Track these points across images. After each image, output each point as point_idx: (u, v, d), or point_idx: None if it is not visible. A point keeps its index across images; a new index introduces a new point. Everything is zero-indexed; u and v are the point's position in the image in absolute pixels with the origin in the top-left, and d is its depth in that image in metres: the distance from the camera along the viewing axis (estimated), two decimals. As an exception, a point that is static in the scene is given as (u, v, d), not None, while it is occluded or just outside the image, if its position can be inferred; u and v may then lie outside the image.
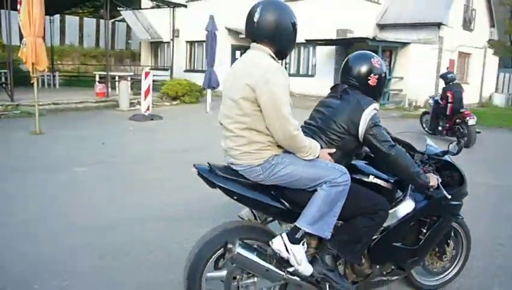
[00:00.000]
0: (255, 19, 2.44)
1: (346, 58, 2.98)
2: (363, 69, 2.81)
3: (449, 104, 9.57)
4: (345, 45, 17.94)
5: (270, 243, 2.49)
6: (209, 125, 10.88)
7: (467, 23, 20.32)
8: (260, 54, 2.47)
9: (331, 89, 2.97)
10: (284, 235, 2.47)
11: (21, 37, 19.16)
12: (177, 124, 10.96)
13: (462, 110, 9.42)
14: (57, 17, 22.35)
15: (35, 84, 8.90)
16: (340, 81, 2.92)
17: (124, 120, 11.18)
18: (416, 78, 17.15)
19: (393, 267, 2.96)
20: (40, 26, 8.60)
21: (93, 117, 11.70)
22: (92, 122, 10.94)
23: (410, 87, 16.99)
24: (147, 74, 11.35)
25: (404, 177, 2.77)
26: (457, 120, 9.44)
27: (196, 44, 20.73)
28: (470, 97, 21.03)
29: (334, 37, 17.59)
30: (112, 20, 22.69)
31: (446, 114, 9.71)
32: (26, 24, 8.44)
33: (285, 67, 20.42)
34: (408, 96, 16.97)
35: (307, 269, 2.52)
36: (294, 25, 2.50)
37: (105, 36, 15.90)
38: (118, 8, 20.13)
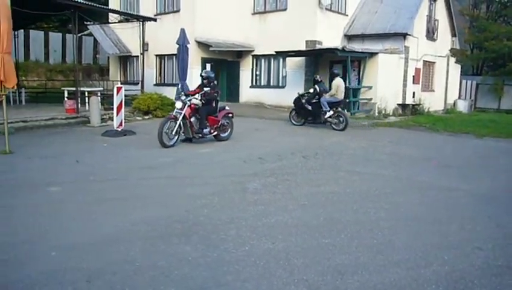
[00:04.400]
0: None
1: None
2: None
3: None
4: (314, 56, 18.23)
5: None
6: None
7: (430, 33, 20.97)
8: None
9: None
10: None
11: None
12: (151, 139, 10.81)
13: None
14: (21, 31, 21.87)
15: (4, 102, 8.62)
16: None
17: (96, 136, 10.98)
18: (384, 87, 17.53)
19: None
20: (9, 42, 8.35)
21: (64, 134, 11.43)
22: (64, 139, 10.69)
23: (379, 95, 17.35)
24: (119, 89, 11.18)
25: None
26: None
27: (166, 57, 20.61)
28: (435, 104, 21.69)
29: (303, 48, 17.84)
30: (79, 35, 22.31)
31: None
32: (-6, 40, 8.19)
33: (256, 79, 20.57)
34: (378, 105, 17.31)
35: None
36: None
37: (73, 51, 15.59)
38: (85, 23, 19.83)
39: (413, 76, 19.63)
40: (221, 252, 4.10)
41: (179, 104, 9.89)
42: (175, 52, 16.36)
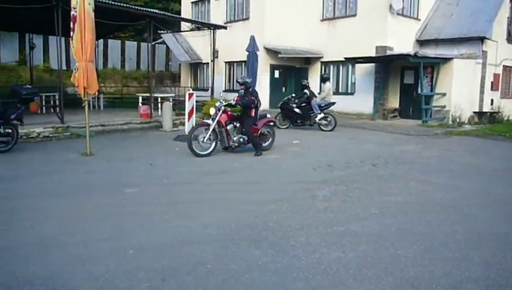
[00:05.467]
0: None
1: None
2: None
3: None
4: (384, 62, 17.81)
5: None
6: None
7: None
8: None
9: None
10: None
11: (67, 62, 20.12)
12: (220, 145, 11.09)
13: None
14: (101, 41, 23.20)
15: (86, 107, 9.19)
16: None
17: (168, 141, 11.40)
18: (459, 94, 16.77)
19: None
20: (92, 52, 8.91)
21: (138, 138, 12.00)
22: (138, 143, 11.22)
23: (453, 103, 16.62)
24: (190, 95, 11.56)
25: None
26: None
27: (235, 64, 21.02)
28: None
29: (373, 54, 17.50)
30: (153, 43, 23.32)
31: None
32: (79, 50, 8.74)
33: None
34: (452, 113, 16.59)
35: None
36: None
37: (147, 58, 16.33)
38: (159, 32, 20.70)
39: (492, 82, 18.62)
40: (291, 259, 4.11)
41: (212, 111, 9.43)
42: (244, 59, 16.64)
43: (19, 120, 9.53)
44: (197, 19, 21.57)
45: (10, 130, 9.34)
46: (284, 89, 20.79)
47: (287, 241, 4.54)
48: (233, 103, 9.72)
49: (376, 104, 18.00)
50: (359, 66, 18.57)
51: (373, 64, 18.16)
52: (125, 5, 13.42)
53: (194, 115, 11.65)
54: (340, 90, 19.68)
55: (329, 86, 15.11)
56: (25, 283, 3.52)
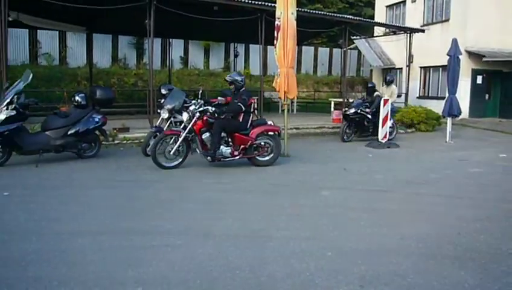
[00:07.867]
0: None
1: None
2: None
3: None
4: None
5: None
6: (449, 157, 10.30)
7: None
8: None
9: None
10: None
11: (264, 68, 21.64)
12: (416, 154, 10.64)
13: None
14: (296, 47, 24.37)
15: (285, 110, 9.81)
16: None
17: (361, 147, 11.42)
18: None
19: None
20: (293, 58, 9.47)
21: (331, 142, 12.28)
22: (330, 146, 11.50)
23: None
24: (385, 101, 11.37)
25: None
26: None
27: (431, 69, 19.89)
28: None
29: None
30: (345, 48, 23.57)
31: None
32: (281, 57, 9.37)
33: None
34: None
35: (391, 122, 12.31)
36: None
37: (340, 64, 16.61)
38: (352, 37, 20.82)
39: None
40: (503, 286, 3.71)
41: (185, 116, 8.01)
42: (441, 63, 15.70)
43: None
44: (391, 23, 21.06)
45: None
46: (487, 96, 18.91)
47: (498, 265, 4.13)
48: (210, 108, 8.07)
49: None
50: None
51: None
52: (323, 12, 13.88)
53: (388, 122, 11.43)
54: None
55: (396, 88, 13.67)
56: (235, 268, 3.92)
